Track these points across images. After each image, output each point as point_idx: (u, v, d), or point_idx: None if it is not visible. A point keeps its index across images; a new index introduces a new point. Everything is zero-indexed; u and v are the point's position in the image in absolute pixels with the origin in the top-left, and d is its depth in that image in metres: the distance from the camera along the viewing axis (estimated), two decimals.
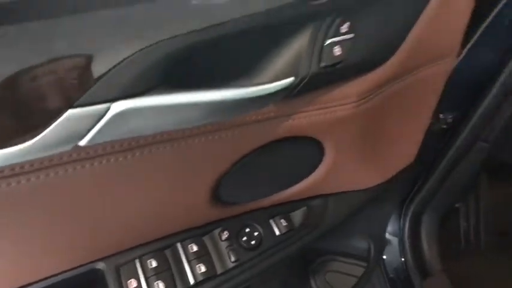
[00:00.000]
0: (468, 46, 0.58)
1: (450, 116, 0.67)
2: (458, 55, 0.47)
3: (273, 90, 0.26)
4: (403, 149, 0.51)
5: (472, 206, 0.91)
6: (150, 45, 0.22)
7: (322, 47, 0.28)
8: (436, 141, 0.69)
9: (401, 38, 0.34)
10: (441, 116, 0.68)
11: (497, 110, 0.62)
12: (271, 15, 0.25)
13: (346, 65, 0.30)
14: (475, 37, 0.57)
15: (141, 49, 0.22)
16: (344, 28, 0.29)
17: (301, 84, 0.28)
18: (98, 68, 0.21)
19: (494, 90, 0.59)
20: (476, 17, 0.56)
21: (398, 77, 0.37)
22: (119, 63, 0.21)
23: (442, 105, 0.67)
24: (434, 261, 0.78)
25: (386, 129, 0.43)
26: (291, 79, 0.27)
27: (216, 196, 0.36)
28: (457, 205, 0.88)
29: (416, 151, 0.55)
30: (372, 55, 0.32)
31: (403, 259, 0.77)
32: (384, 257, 0.78)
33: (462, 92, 0.64)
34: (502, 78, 0.58)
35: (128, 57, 0.22)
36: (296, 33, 0.27)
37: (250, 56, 0.26)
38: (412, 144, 0.52)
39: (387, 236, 0.78)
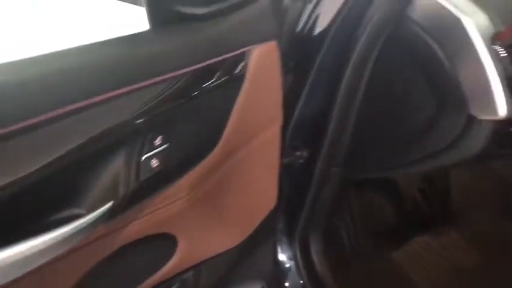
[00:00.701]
0: (305, 93, 0.70)
1: (305, 152, 0.77)
2: (284, 117, 0.55)
3: (93, 220, 0.29)
4: (260, 201, 0.57)
5: (347, 217, 1.05)
6: None
7: (138, 164, 0.32)
8: (298, 175, 0.79)
9: (220, 129, 0.40)
10: (297, 153, 0.78)
11: (338, 141, 0.73)
12: (82, 150, 0.28)
13: (168, 171, 0.34)
14: (307, 86, 0.68)
15: None
16: (158, 141, 0.33)
17: (125, 202, 0.31)
18: None
19: (332, 125, 0.71)
20: (305, 66, 0.68)
21: (229, 156, 0.42)
22: None
23: (295, 144, 0.77)
24: (326, 277, 0.87)
25: (235, 195, 0.48)
26: (110, 203, 0.30)
27: None
28: (334, 220, 1.01)
29: (276, 195, 0.62)
30: (193, 153, 0.37)
31: (301, 281, 0.85)
32: (287, 284, 0.85)
33: (309, 130, 0.74)
34: (334, 115, 0.69)
35: None
36: (111, 159, 0.30)
37: (64, 194, 0.28)
38: (268, 192, 0.59)
39: (286, 263, 0.85)
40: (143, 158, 0.32)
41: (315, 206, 0.82)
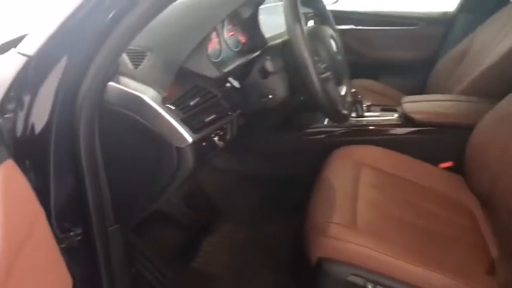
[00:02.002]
0: (53, 183, 0.79)
1: (78, 229, 0.87)
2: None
3: None
4: None
5: (142, 259, 1.21)
6: None
7: None
8: (84, 250, 0.88)
9: None
10: (71, 233, 0.87)
11: (100, 207, 0.86)
12: None
13: None
14: (52, 176, 0.78)
15: None
16: None
17: None
18: None
19: (91, 197, 0.83)
20: (43, 162, 0.77)
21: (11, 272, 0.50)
22: None
23: (66, 227, 0.85)
24: None
25: None
26: None
27: None
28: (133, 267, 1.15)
29: (68, 275, 0.70)
30: None
31: None
32: None
33: (71, 210, 0.84)
34: (88, 190, 0.82)
35: None
36: None
37: None
38: (61, 278, 0.67)
39: None
40: None
41: (111, 267, 0.93)
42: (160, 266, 1.26)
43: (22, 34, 0.73)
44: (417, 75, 2.03)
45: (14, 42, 0.73)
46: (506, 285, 0.90)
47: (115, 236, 0.92)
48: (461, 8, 2.05)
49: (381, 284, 0.90)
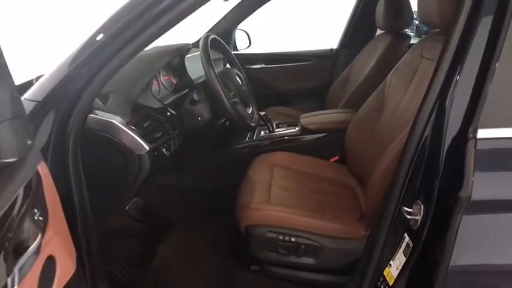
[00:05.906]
0: None
1: None
2: None
3: None
4: None
5: (111, 260, 1.56)
6: None
7: None
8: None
9: None
10: None
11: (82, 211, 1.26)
12: None
13: None
14: None
15: None
16: None
17: None
18: None
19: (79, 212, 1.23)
20: None
21: None
22: None
23: None
24: None
25: None
26: None
27: None
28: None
29: None
30: None
31: None
32: None
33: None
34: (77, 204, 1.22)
35: None
36: None
37: None
38: None
39: None
40: None
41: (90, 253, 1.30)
42: (124, 265, 1.63)
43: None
44: (316, 98, 2.69)
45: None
46: (368, 224, 1.45)
47: (92, 230, 1.30)
48: (341, 45, 2.80)
49: (286, 234, 1.40)
